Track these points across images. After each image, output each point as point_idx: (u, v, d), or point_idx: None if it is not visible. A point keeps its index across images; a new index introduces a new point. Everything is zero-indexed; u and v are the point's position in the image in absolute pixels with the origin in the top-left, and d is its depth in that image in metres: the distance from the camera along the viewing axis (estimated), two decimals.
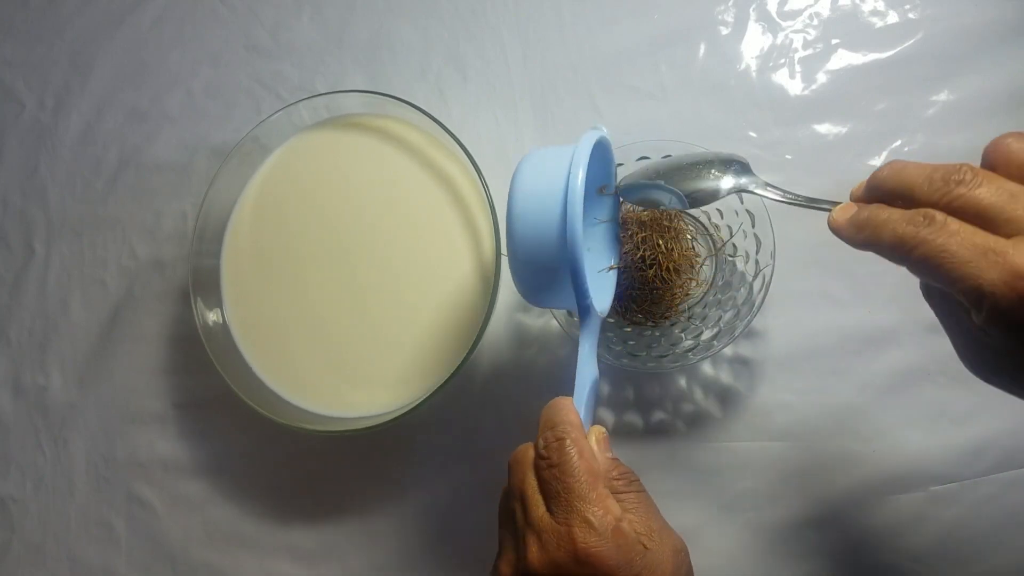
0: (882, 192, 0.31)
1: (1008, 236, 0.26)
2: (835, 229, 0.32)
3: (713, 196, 0.40)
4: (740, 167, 0.40)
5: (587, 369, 0.38)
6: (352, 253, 0.56)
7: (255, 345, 0.56)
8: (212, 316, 0.56)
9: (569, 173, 0.36)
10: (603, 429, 0.37)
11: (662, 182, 0.41)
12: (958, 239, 0.26)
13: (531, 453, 0.36)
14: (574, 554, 0.31)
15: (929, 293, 0.32)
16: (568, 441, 0.33)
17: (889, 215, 0.29)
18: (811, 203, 0.36)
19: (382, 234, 0.56)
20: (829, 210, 0.33)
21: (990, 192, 0.27)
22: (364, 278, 0.55)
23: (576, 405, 0.36)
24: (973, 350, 0.30)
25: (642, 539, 0.33)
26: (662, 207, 0.43)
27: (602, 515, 0.31)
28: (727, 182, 0.40)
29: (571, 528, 0.31)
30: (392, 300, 0.55)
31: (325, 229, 0.56)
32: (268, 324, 0.56)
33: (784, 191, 0.38)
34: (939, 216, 0.27)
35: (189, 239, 0.55)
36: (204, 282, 0.56)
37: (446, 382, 0.50)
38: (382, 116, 0.58)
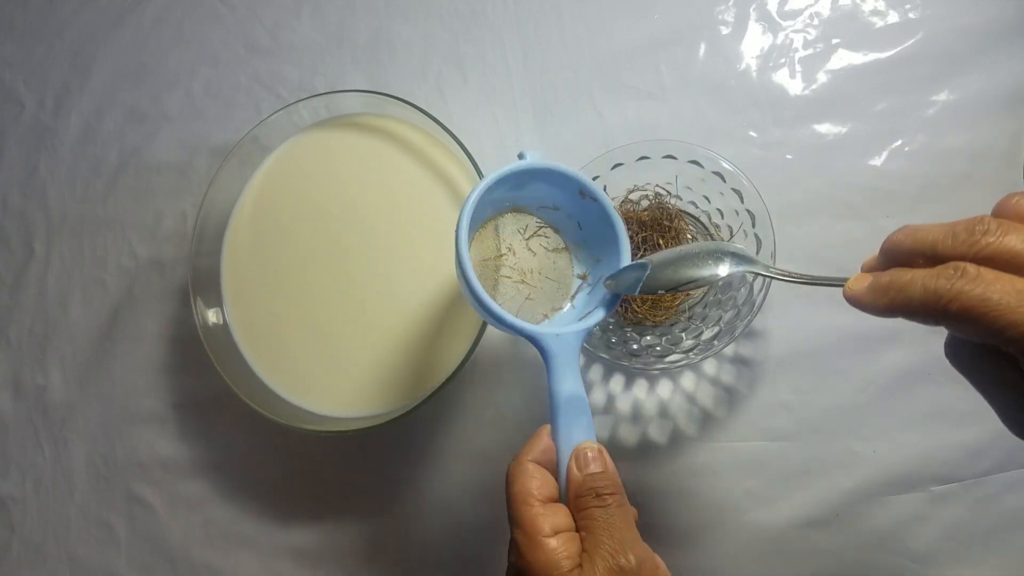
0: (900, 254, 0.29)
1: None
2: (854, 300, 0.30)
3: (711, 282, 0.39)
4: (739, 258, 0.38)
5: (564, 392, 0.38)
6: (352, 253, 0.56)
7: (255, 345, 0.56)
8: (212, 316, 0.56)
9: (457, 238, 0.38)
10: (590, 446, 0.37)
11: (646, 262, 0.40)
12: (998, 287, 0.25)
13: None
14: (511, 566, 0.35)
15: (957, 356, 0.30)
16: (511, 468, 0.37)
17: (914, 274, 0.27)
18: (818, 281, 0.34)
19: (382, 234, 0.56)
20: (840, 285, 0.31)
21: (1020, 239, 0.26)
22: (364, 278, 0.55)
23: (552, 430, 0.38)
24: (1020, 408, 0.29)
25: (579, 557, 0.34)
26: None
27: (528, 529, 0.34)
28: (724, 268, 0.38)
29: (510, 543, 0.35)
30: (392, 300, 0.55)
31: (325, 229, 0.56)
32: (268, 324, 0.56)
33: (789, 272, 0.36)
34: (971, 267, 0.26)
35: (189, 239, 0.55)
36: (204, 282, 0.56)
37: (446, 382, 0.50)
38: (382, 116, 0.58)
